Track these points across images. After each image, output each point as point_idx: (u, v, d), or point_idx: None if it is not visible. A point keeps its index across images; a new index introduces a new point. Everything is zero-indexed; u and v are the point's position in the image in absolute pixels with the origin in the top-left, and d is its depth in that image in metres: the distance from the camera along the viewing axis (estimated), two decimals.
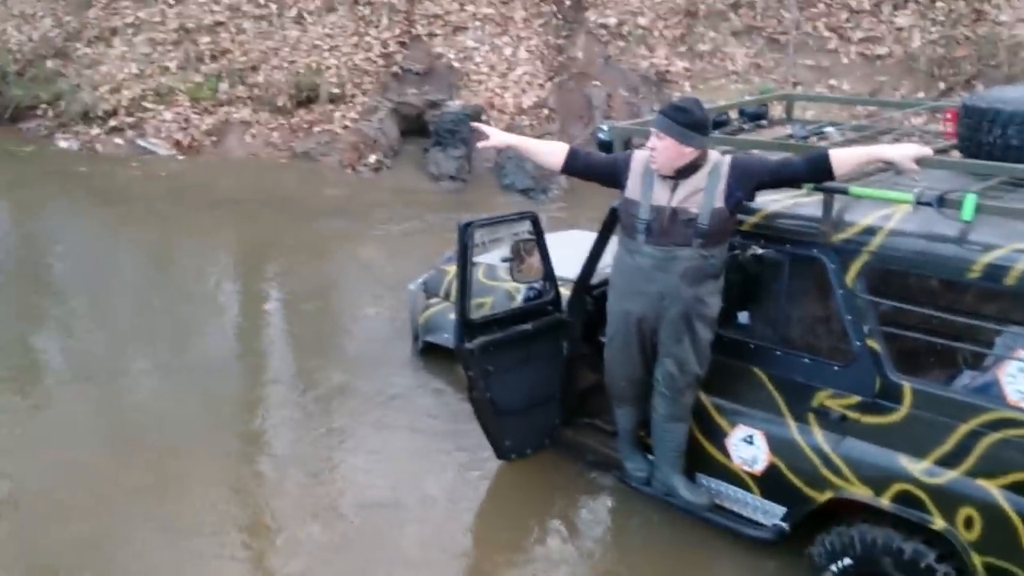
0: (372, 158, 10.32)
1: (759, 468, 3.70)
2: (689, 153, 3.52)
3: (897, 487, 3.26)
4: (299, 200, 9.39)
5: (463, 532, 4.16)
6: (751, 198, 3.59)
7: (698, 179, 3.54)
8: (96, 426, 4.96)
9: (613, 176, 3.76)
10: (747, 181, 3.51)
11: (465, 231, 4.02)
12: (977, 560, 3.09)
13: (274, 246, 8.19)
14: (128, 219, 8.85)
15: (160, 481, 4.38)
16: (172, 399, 5.25)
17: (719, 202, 3.51)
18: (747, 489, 3.78)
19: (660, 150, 3.52)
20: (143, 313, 6.62)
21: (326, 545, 3.98)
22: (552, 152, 3.90)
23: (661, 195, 3.57)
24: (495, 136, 3.97)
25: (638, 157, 3.69)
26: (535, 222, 4.32)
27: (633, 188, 3.65)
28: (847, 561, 3.43)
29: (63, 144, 10.89)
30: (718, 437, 3.83)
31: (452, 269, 5.42)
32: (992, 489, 3.06)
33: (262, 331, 6.47)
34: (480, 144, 4.04)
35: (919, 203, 3.15)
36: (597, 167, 3.85)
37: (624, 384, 3.95)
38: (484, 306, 4.94)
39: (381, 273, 7.37)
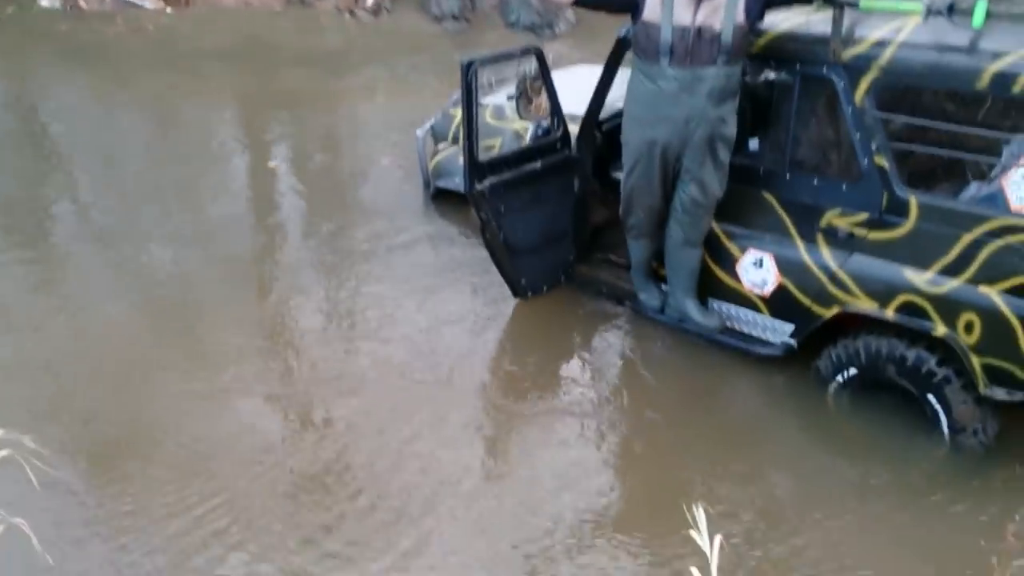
0: (370, 1, 10.05)
1: (768, 289, 3.82)
2: None
3: (901, 298, 3.38)
4: (297, 49, 9.22)
5: (484, 366, 4.32)
6: (762, 14, 3.56)
7: None
8: (118, 288, 4.97)
9: (628, 1, 3.70)
10: None
11: (468, 70, 3.98)
12: (976, 362, 3.25)
13: (274, 98, 8.05)
14: (120, 79, 8.65)
15: (187, 335, 4.48)
16: (188, 256, 5.31)
17: (740, 18, 3.51)
18: (757, 310, 3.92)
19: None
20: (148, 174, 6.55)
21: (353, 387, 4.12)
22: None
23: (683, 15, 3.55)
24: None
25: None
26: (540, 57, 4.26)
27: (652, 10, 3.61)
28: (852, 371, 3.61)
29: (45, 3, 10.54)
30: (729, 262, 3.93)
31: (458, 112, 5.40)
32: (992, 294, 3.18)
33: (272, 185, 6.45)
34: None
35: (929, 12, 3.11)
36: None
37: (643, 215, 4.03)
38: (493, 147, 4.94)
39: (387, 120, 7.32)
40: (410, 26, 9.75)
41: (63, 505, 3.36)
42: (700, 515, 1.73)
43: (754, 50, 3.63)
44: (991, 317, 3.19)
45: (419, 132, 5.88)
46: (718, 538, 1.72)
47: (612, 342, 4.47)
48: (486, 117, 5.14)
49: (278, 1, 10.35)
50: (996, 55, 3.02)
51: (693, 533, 1.73)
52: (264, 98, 8.12)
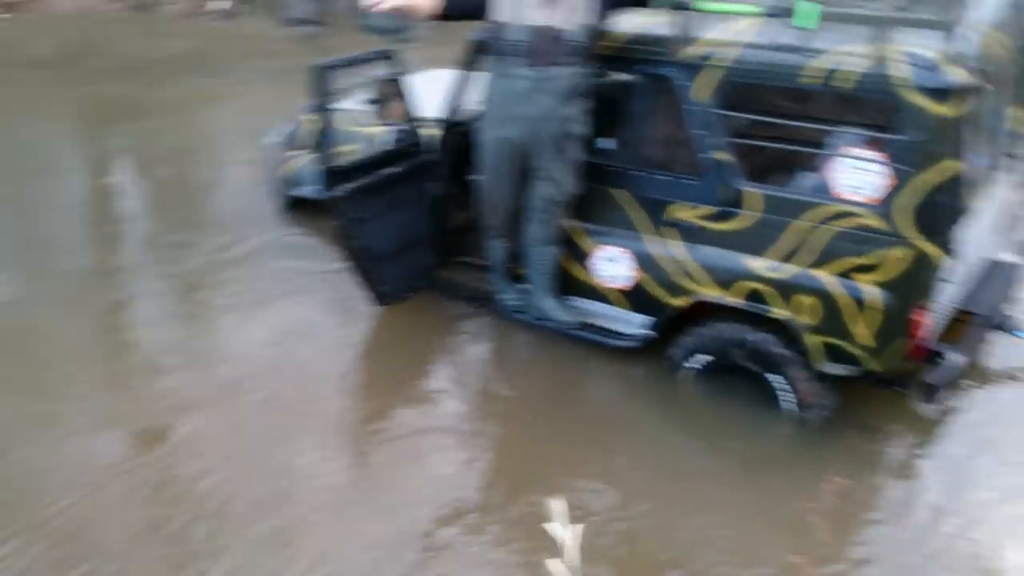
0: (219, 5, 9.75)
1: (623, 283, 3.94)
2: None
3: (745, 285, 3.56)
4: (142, 56, 8.85)
5: (349, 373, 4.29)
6: (607, 16, 3.69)
7: None
8: None
9: (484, 4, 3.74)
10: None
11: (320, 74, 3.94)
12: (813, 341, 3.47)
13: (118, 109, 7.70)
14: None
15: (19, 357, 4.29)
16: (18, 276, 5.07)
17: (588, 18, 3.61)
18: (613, 304, 4.04)
19: None
20: None
21: (203, 399, 4.01)
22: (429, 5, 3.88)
23: (534, 15, 3.61)
24: None
25: None
26: (394, 60, 4.25)
27: (503, 11, 3.67)
28: (703, 357, 3.79)
29: None
30: (584, 259, 4.03)
31: (312, 118, 5.31)
32: (824, 277, 3.40)
33: (118, 200, 6.18)
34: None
35: (764, 14, 3.29)
36: (471, 2, 3.81)
37: (499, 215, 4.08)
38: (349, 153, 4.88)
39: (237, 128, 7.10)
40: (262, 31, 9.53)
41: None
42: (558, 508, 1.77)
43: (601, 51, 3.74)
44: (824, 298, 3.41)
45: (270, 139, 5.76)
46: (578, 528, 1.77)
47: (475, 344, 4.51)
48: (341, 123, 5.07)
49: (122, 6, 9.92)
50: (822, 52, 3.23)
51: (548, 526, 1.77)
52: (106, 108, 7.75)
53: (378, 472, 3.66)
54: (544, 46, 3.63)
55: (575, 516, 1.81)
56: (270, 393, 4.06)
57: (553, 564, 1.76)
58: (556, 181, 3.88)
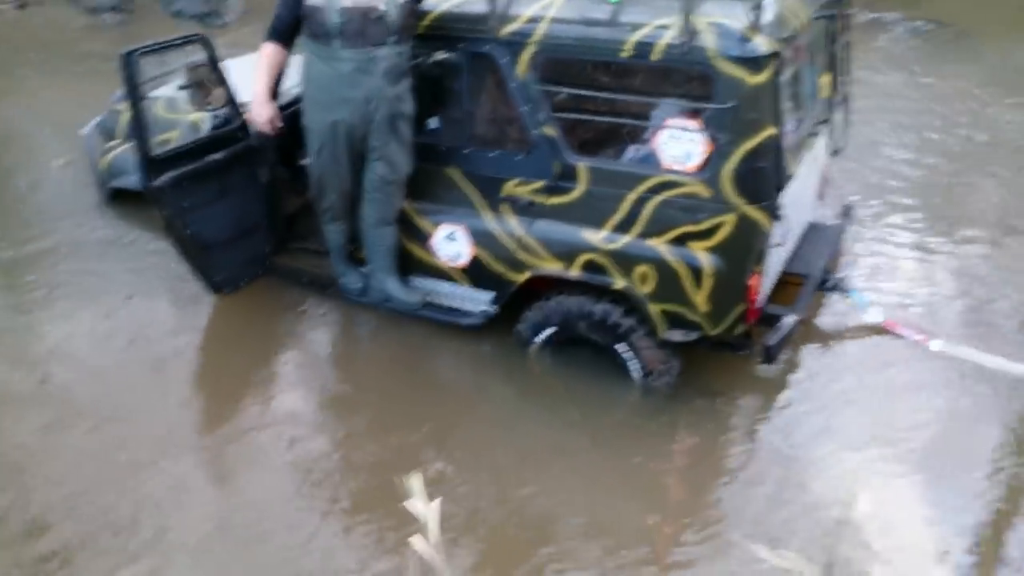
0: None
1: (463, 261, 3.94)
2: None
3: (583, 257, 3.62)
4: None
5: (190, 370, 4.12)
6: None
7: None
8: None
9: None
10: None
11: (129, 60, 3.72)
12: (654, 309, 3.57)
13: None
14: None
15: None
16: None
17: None
18: (456, 282, 4.03)
19: None
20: None
21: (53, 412, 3.79)
22: (271, 59, 3.85)
23: None
24: (263, 112, 3.92)
25: None
26: (206, 44, 4.05)
27: None
28: (549, 330, 3.84)
29: None
30: (423, 238, 4.01)
31: (127, 107, 5.02)
32: (659, 246, 3.49)
33: None
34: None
35: None
36: (291, 12, 3.71)
37: (335, 198, 4.00)
38: (169, 141, 4.64)
39: (50, 122, 6.63)
40: (62, 20, 8.88)
41: None
42: (415, 484, 1.75)
43: (420, 31, 3.69)
44: (660, 267, 3.50)
45: (85, 131, 5.42)
46: (436, 502, 1.75)
47: (320, 329, 4.41)
48: (158, 110, 4.81)
49: None
50: (635, 26, 3.30)
51: (407, 503, 1.75)
52: None
53: (226, 473, 3.53)
54: (363, 27, 3.56)
55: (430, 496, 1.79)
56: (95, 395, 3.86)
57: (416, 540, 1.74)
58: (390, 161, 3.83)
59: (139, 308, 4.48)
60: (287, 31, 3.76)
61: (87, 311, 4.45)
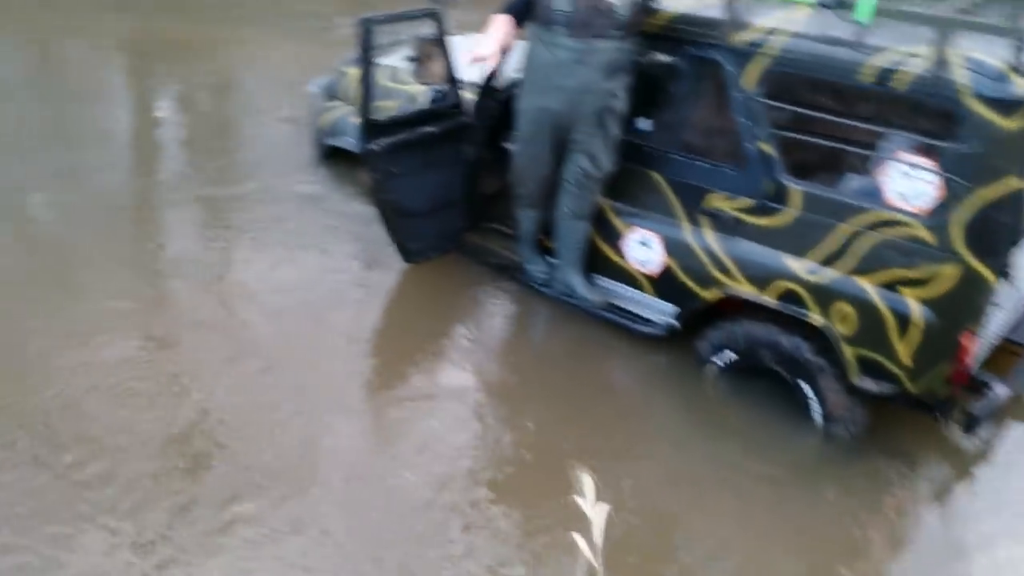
0: None
1: (654, 269, 3.84)
2: None
3: (781, 285, 3.43)
4: None
5: (370, 329, 4.23)
6: None
7: None
8: None
9: None
10: None
11: (365, 28, 3.87)
12: (849, 352, 3.32)
13: (164, 44, 7.70)
14: None
15: (57, 284, 4.30)
16: (61, 200, 5.09)
17: None
18: (641, 289, 3.94)
19: None
20: (27, 115, 6.22)
21: (234, 345, 3.99)
22: (502, 27, 3.79)
23: None
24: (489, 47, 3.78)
25: None
26: (439, 20, 4.16)
27: None
28: (731, 355, 3.66)
29: None
30: (615, 239, 3.93)
31: (353, 71, 5.24)
32: (867, 286, 3.25)
33: (158, 136, 6.18)
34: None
35: (820, 5, 3.14)
36: None
37: (532, 184, 4.00)
38: (388, 109, 4.81)
39: (279, 75, 7.08)
40: None
41: None
42: (586, 481, 1.71)
43: (648, 29, 3.61)
44: (865, 309, 3.26)
45: (312, 88, 5.70)
46: (605, 506, 1.71)
47: (497, 312, 4.43)
48: (382, 78, 5.00)
49: None
50: (880, 50, 3.07)
51: (577, 498, 1.71)
52: (152, 44, 7.74)
53: (391, 435, 3.60)
54: (589, 18, 3.53)
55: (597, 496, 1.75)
56: (283, 340, 4.03)
57: (579, 538, 1.71)
58: (593, 156, 3.79)
59: (327, 263, 4.65)
60: (519, 10, 3.77)
61: (275, 257, 4.66)
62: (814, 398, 3.48)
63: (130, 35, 7.88)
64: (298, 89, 6.14)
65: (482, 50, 3.74)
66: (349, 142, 5.15)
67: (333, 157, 5.55)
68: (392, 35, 5.36)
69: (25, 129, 5.95)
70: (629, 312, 4.02)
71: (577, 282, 4.07)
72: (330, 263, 4.65)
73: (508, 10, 3.80)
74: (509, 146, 4.14)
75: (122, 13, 8.15)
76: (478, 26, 5.08)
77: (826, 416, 3.48)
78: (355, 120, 4.47)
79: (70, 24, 7.81)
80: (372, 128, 4.06)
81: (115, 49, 7.61)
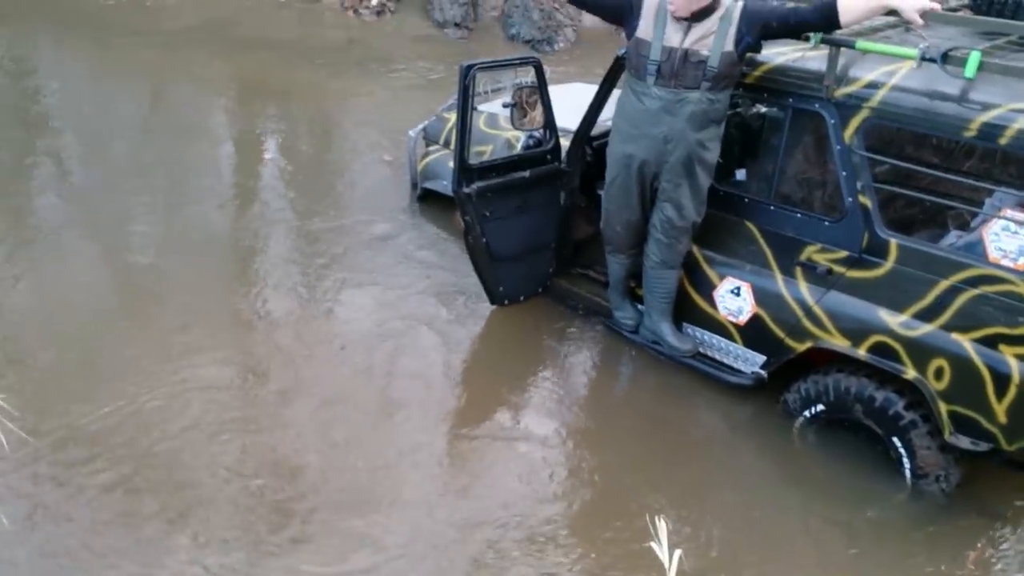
0: (375, 1, 10.05)
1: (744, 318, 3.83)
2: None
3: (874, 338, 3.39)
4: (298, 41, 9.19)
5: (454, 367, 4.30)
6: (759, 45, 3.57)
7: (711, 22, 3.53)
8: (95, 268, 5.01)
9: (621, 13, 3.72)
10: (756, 26, 3.49)
11: (467, 73, 3.99)
12: (944, 408, 3.26)
13: (270, 88, 8.02)
14: (113, 53, 8.60)
15: (163, 312, 4.48)
16: (164, 233, 5.32)
17: (729, 46, 3.51)
18: (730, 338, 3.93)
19: None
20: (137, 151, 6.54)
21: (320, 383, 4.10)
22: None
23: (673, 37, 3.57)
24: None
25: None
26: (538, 68, 4.28)
27: (645, 29, 3.64)
28: (820, 407, 3.62)
29: None
30: (706, 288, 3.94)
31: (452, 116, 5.40)
32: (965, 342, 3.19)
33: (259, 172, 6.43)
34: None
35: (923, 59, 3.14)
36: (606, 1, 3.81)
37: (620, 230, 4.04)
38: (484, 154, 4.95)
39: (380, 119, 7.30)
40: (412, 29, 9.76)
41: (30, 470, 3.36)
42: (662, 527, 1.72)
43: (748, 80, 3.65)
44: (962, 365, 3.20)
45: (411, 132, 5.88)
46: (678, 552, 1.71)
47: (583, 357, 4.45)
48: (479, 124, 5.15)
49: None
50: (986, 106, 3.05)
51: (654, 544, 1.72)
52: (261, 86, 8.08)
53: (467, 473, 3.64)
54: (679, 68, 3.57)
55: (673, 543, 1.75)
56: (369, 376, 4.13)
57: None
58: (679, 205, 3.80)
59: (415, 302, 4.73)
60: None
61: (365, 294, 4.78)
62: (905, 454, 3.42)
63: (244, 77, 8.28)
64: (398, 133, 6.34)
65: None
66: (444, 185, 5.28)
67: (428, 200, 5.70)
68: (492, 82, 5.55)
69: (134, 165, 6.28)
70: (716, 361, 4.01)
71: (666, 330, 4.08)
72: (418, 303, 4.74)
73: None
74: (600, 192, 4.20)
75: (232, 59, 8.57)
76: (575, 76, 5.21)
77: (916, 472, 3.41)
78: (451, 164, 4.59)
79: (183, 69, 8.24)
80: (467, 172, 4.16)
81: (223, 92, 7.97)
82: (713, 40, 3.52)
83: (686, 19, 3.55)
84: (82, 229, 5.35)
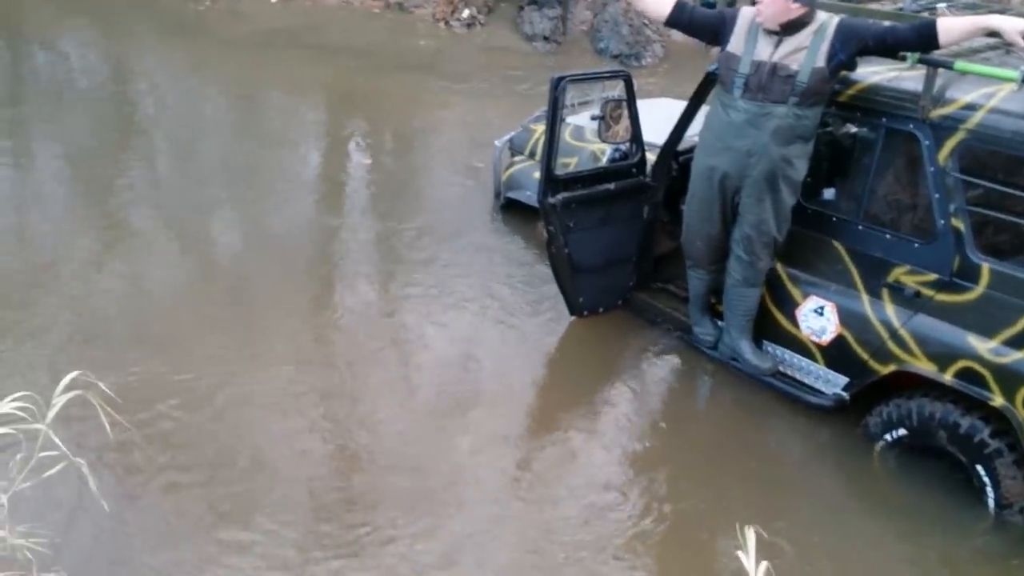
0: (466, 13, 10.21)
1: (827, 339, 3.79)
2: (796, 8, 3.50)
3: (961, 364, 3.33)
4: (389, 51, 9.40)
5: (531, 378, 4.34)
6: (853, 63, 3.55)
7: (803, 37, 3.52)
8: (180, 265, 5.17)
9: (716, 31, 3.75)
10: (851, 43, 3.47)
11: (558, 85, 4.05)
12: None
13: (360, 96, 8.21)
14: (212, 60, 8.92)
15: (239, 321, 4.57)
16: (254, 247, 5.45)
17: (820, 61, 3.50)
18: (812, 358, 3.89)
19: (768, 2, 3.49)
20: (228, 157, 6.76)
21: (397, 385, 4.20)
22: (659, 2, 3.85)
23: (763, 50, 3.57)
24: None
25: (745, 13, 3.68)
26: (628, 82, 4.32)
27: (736, 43, 3.66)
28: (902, 432, 3.56)
29: None
30: (789, 306, 3.92)
31: (539, 128, 5.47)
32: None
33: (345, 178, 6.59)
34: None
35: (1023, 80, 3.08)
36: (702, 21, 3.82)
37: (700, 244, 4.04)
38: (569, 166, 5.00)
39: (466, 129, 7.42)
40: (501, 42, 9.89)
41: (127, 456, 3.49)
42: (751, 536, 1.73)
43: (841, 98, 3.63)
44: None
45: (498, 143, 5.97)
46: (764, 564, 1.72)
47: (661, 371, 4.46)
48: (566, 136, 5.20)
49: (377, 4, 10.59)
50: None
51: (741, 553, 1.73)
52: (351, 95, 8.29)
53: (542, 483, 3.66)
54: (767, 82, 3.56)
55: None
56: (449, 384, 4.19)
57: None
58: (760, 221, 3.78)
59: (494, 311, 4.77)
60: (686, 18, 3.81)
61: (444, 302, 4.84)
62: (989, 482, 3.34)
63: (336, 85, 8.50)
64: (485, 143, 6.44)
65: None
66: (528, 196, 5.34)
67: (511, 210, 5.77)
68: (580, 95, 5.59)
69: (229, 167, 6.53)
70: (797, 380, 3.98)
71: (745, 348, 4.06)
72: (497, 311, 4.79)
73: (681, 3, 3.81)
74: (682, 207, 4.21)
75: (321, 67, 8.82)
76: (662, 91, 5.22)
77: (1000, 502, 3.33)
78: (536, 175, 4.64)
79: (273, 75, 8.52)
80: (552, 183, 4.21)
81: (315, 100, 8.23)
82: (804, 55, 3.51)
83: (777, 33, 3.55)
84: (172, 230, 5.52)
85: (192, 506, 3.31)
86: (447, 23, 10.20)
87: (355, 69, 8.80)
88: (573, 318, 4.65)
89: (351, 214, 5.95)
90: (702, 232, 4.00)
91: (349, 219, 5.86)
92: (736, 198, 3.82)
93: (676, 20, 3.85)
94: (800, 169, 3.69)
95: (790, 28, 3.53)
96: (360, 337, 4.52)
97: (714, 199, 3.85)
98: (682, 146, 4.45)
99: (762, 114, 3.60)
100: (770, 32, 3.56)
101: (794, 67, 3.52)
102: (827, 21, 3.52)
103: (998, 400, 3.24)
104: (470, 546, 3.24)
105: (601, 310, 4.67)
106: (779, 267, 3.93)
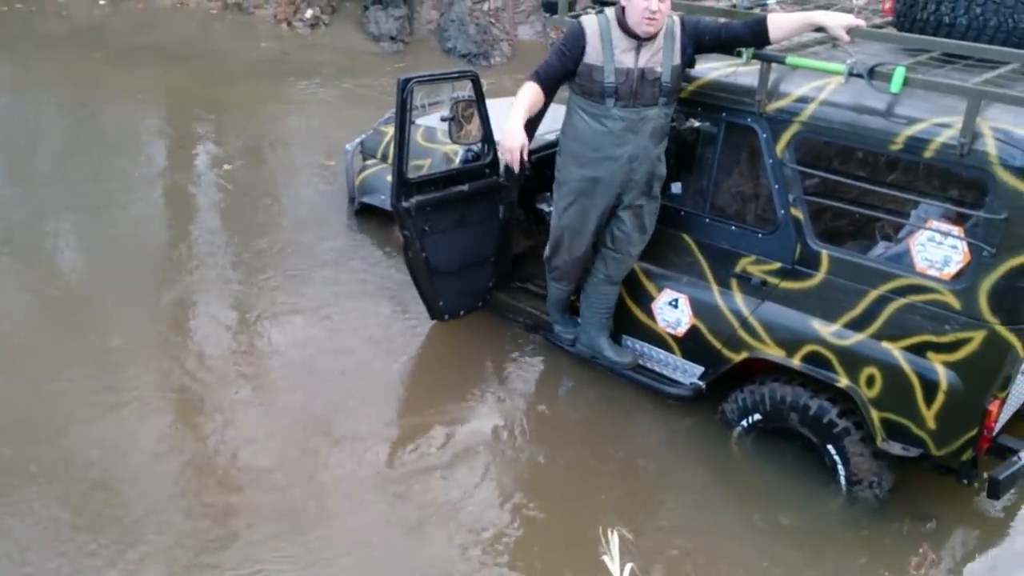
0: (309, 13, 9.96)
1: (682, 330, 3.88)
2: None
3: (808, 348, 3.46)
4: (230, 55, 9.08)
5: (394, 384, 4.28)
6: (693, 60, 3.63)
7: (658, 40, 3.56)
8: (20, 294, 4.85)
9: (577, 56, 3.61)
10: (695, 39, 3.56)
11: (405, 86, 3.96)
12: (875, 415, 3.34)
13: (202, 103, 7.88)
14: (40, 69, 8.39)
15: (89, 348, 4.35)
16: (97, 261, 5.20)
17: (677, 59, 3.56)
18: (669, 350, 3.97)
19: (661, 12, 3.48)
20: (63, 171, 6.37)
21: (259, 398, 4.08)
22: (531, 96, 3.64)
23: (624, 58, 3.56)
24: (514, 139, 3.48)
25: (588, 23, 3.61)
26: (476, 82, 4.27)
27: (593, 53, 3.59)
28: (756, 417, 3.69)
29: None
30: (645, 300, 3.98)
31: (390, 130, 5.38)
32: (894, 350, 3.28)
33: (192, 190, 6.30)
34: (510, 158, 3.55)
35: (851, 74, 3.22)
36: (563, 64, 3.65)
37: (568, 257, 3.99)
38: (422, 168, 4.92)
39: (316, 134, 7.23)
40: (346, 42, 9.70)
41: None
42: (613, 540, 1.72)
43: (683, 95, 3.70)
44: (892, 373, 3.29)
45: (349, 146, 5.83)
46: (629, 566, 1.71)
47: (524, 372, 4.45)
48: (417, 138, 5.12)
49: (215, 4, 10.19)
50: (911, 120, 3.14)
51: (605, 558, 1.72)
52: (193, 100, 7.93)
53: (411, 489, 3.61)
54: (638, 88, 3.58)
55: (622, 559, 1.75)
56: (309, 396, 4.08)
57: None
58: (640, 222, 3.82)
59: (354, 318, 4.70)
60: (552, 80, 3.69)
61: (302, 310, 4.76)
62: (839, 460, 3.49)
63: (175, 91, 8.10)
64: (336, 148, 6.28)
65: (510, 142, 3.48)
66: (382, 200, 5.24)
67: (366, 214, 5.66)
68: (428, 97, 5.53)
69: (65, 183, 6.13)
70: (656, 373, 4.05)
71: (604, 344, 4.10)
72: (357, 318, 4.70)
73: (539, 80, 3.65)
74: (543, 208, 4.19)
75: (161, 71, 8.40)
76: (512, 90, 5.23)
77: (851, 478, 3.49)
78: (388, 178, 4.55)
79: (110, 81, 8.06)
80: (405, 186, 4.13)
81: (152, 106, 7.81)
82: (662, 56, 3.56)
83: (636, 38, 3.55)
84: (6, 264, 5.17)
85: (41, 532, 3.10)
86: (290, 24, 9.92)
87: (196, 73, 8.44)
88: (434, 322, 4.59)
89: (203, 228, 5.68)
90: (574, 244, 3.92)
91: (199, 230, 5.60)
92: (615, 203, 3.79)
93: (548, 88, 3.69)
94: (663, 165, 3.76)
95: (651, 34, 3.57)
96: (210, 351, 4.34)
97: (593, 209, 3.80)
98: (533, 145, 4.44)
99: (639, 119, 3.61)
100: (629, 38, 3.56)
101: (659, 69, 3.56)
102: (670, 23, 3.57)
103: (843, 381, 3.39)
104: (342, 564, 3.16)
105: (462, 313, 4.62)
106: (635, 263, 3.98)
